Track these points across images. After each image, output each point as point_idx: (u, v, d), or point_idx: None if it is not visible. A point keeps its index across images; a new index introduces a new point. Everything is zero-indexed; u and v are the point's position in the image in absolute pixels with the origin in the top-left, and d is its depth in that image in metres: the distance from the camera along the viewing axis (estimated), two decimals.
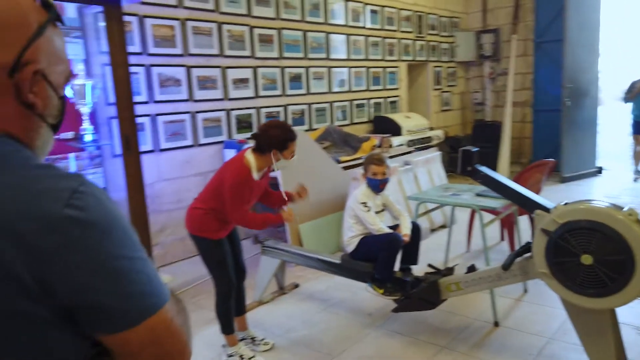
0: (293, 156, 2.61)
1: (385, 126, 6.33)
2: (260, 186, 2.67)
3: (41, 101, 0.73)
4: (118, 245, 0.67)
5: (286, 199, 2.78)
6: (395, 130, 6.25)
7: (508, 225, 4.14)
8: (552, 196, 5.61)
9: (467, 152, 2.50)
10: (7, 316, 0.62)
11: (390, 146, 5.78)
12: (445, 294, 2.71)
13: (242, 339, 2.87)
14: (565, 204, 2.17)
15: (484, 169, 2.51)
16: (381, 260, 2.79)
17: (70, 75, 0.81)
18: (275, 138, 2.53)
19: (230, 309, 2.74)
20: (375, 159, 2.93)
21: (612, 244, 2.00)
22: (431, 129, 6.88)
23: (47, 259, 0.62)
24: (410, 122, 6.50)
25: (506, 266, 2.33)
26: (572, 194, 6.17)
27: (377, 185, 2.91)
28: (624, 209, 2.04)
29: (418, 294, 2.72)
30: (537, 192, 4.15)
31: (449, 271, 2.79)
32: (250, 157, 2.55)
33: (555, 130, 7.10)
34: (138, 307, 0.68)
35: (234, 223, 2.64)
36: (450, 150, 7.36)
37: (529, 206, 2.34)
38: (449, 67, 8.05)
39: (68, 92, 3.39)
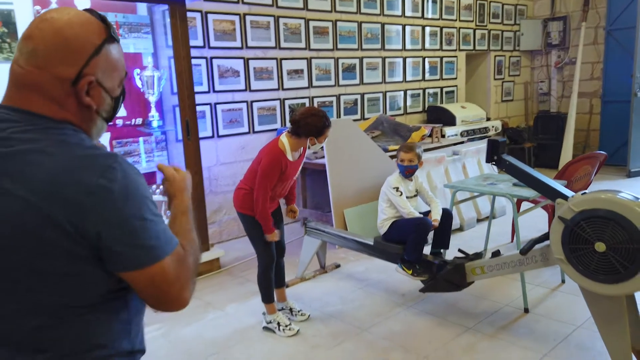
0: (325, 139, 2.84)
1: (440, 116, 6.35)
2: (296, 166, 2.90)
3: (96, 102, 0.99)
4: (136, 208, 0.92)
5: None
6: (450, 120, 6.26)
7: (552, 215, 4.11)
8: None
9: (494, 142, 2.59)
10: (56, 253, 0.88)
11: (443, 136, 5.83)
12: (470, 277, 2.83)
13: (281, 309, 3.15)
14: (583, 193, 2.23)
15: (510, 158, 2.59)
16: (410, 243, 2.95)
17: (124, 76, 1.05)
18: (313, 126, 2.75)
19: (271, 280, 3.02)
20: (405, 146, 3.12)
21: (626, 233, 2.04)
22: (488, 119, 6.81)
23: (83, 213, 0.87)
24: (466, 113, 6.47)
25: (524, 251, 2.42)
26: (636, 189, 5.90)
27: (403, 171, 3.08)
28: None
29: (444, 275, 2.85)
30: (587, 184, 4.09)
31: (477, 256, 2.90)
32: (284, 141, 2.79)
33: (625, 123, 6.79)
34: (143, 255, 0.92)
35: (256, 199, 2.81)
36: (510, 141, 7.21)
37: (550, 194, 2.41)
38: (512, 56, 7.87)
39: (138, 82, 3.80)
